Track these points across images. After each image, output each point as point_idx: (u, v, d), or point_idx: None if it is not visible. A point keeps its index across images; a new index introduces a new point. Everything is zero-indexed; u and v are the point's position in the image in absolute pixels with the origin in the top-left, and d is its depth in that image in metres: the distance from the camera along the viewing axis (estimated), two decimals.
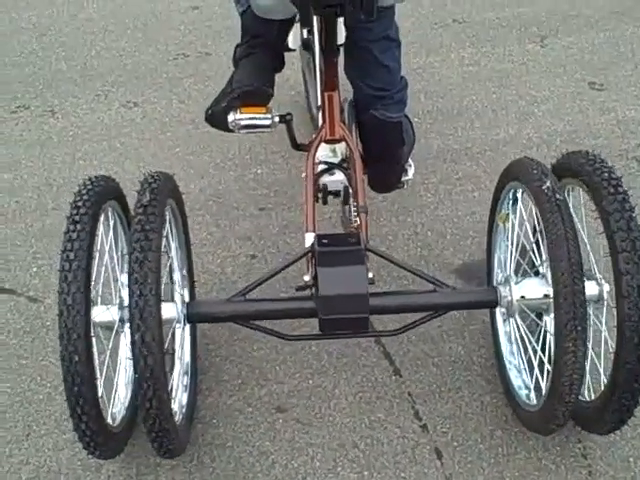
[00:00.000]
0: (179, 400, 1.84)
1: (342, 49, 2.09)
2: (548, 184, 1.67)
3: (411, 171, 2.34)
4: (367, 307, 1.69)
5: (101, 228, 1.74)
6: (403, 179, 2.34)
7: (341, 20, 1.95)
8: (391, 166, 2.26)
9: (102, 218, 1.73)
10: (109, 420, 1.72)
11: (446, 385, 2.00)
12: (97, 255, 1.70)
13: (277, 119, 2.07)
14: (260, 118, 2.06)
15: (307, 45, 2.49)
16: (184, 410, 1.84)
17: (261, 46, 2.15)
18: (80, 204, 1.65)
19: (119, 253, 1.88)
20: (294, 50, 2.35)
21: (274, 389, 2.01)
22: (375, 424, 1.92)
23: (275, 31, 2.13)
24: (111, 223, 1.83)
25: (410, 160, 2.33)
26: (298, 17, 2.10)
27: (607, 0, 3.60)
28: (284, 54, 2.25)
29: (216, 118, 2.15)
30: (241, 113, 2.06)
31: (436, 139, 2.81)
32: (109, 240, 1.82)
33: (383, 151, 2.20)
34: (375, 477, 1.81)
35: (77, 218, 1.63)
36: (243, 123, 2.06)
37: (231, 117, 2.07)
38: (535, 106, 2.96)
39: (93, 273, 1.64)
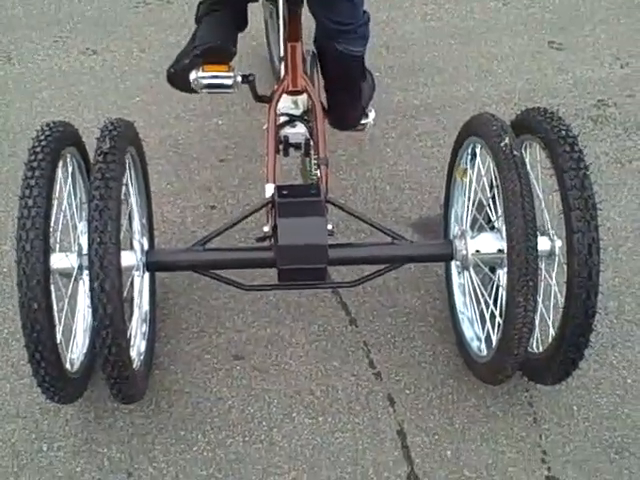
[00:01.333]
0: (137, 347, 1.86)
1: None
2: (506, 140, 1.70)
3: (371, 115, 2.38)
4: (326, 258, 1.72)
5: (60, 174, 1.73)
6: (363, 121, 2.37)
7: None
8: (352, 102, 2.28)
9: (61, 164, 1.71)
10: (68, 366, 1.73)
11: (400, 335, 2.05)
12: (56, 202, 1.69)
13: (239, 79, 2.04)
14: (223, 77, 2.02)
15: None
16: (142, 357, 1.86)
17: (224, 3, 2.12)
18: (38, 150, 1.63)
19: (78, 200, 1.87)
20: (257, 1, 2.34)
21: (232, 337, 2.04)
22: (330, 372, 1.96)
23: None
24: (70, 170, 1.81)
25: (370, 107, 2.37)
26: None
27: None
28: (247, 13, 2.22)
29: (178, 77, 2.12)
30: (203, 71, 2.02)
31: (397, 94, 2.82)
32: (68, 187, 1.81)
33: (345, 85, 2.22)
34: (329, 422, 1.86)
35: (35, 164, 1.61)
36: (205, 82, 2.02)
37: (193, 75, 2.03)
38: (495, 64, 2.99)
39: (52, 220, 1.63)
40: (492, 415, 1.87)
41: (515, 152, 1.69)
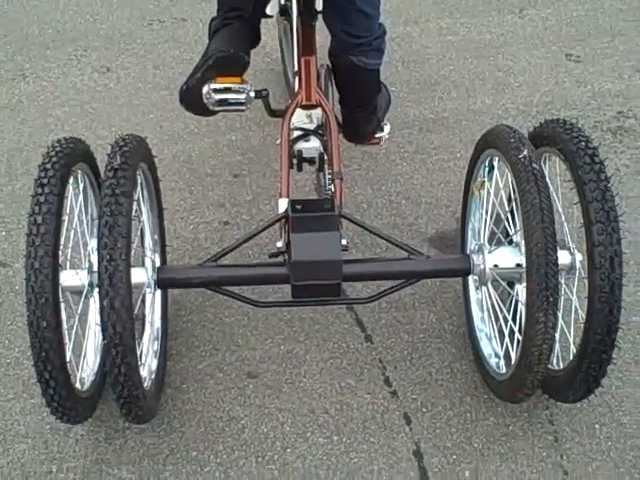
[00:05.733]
0: (149, 365, 1.83)
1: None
2: (525, 153, 1.66)
3: (387, 129, 2.35)
4: (340, 273, 1.69)
5: (70, 191, 1.71)
6: (378, 135, 2.34)
7: None
8: (367, 116, 2.26)
9: (71, 181, 1.70)
10: (77, 385, 1.71)
11: (417, 352, 2.01)
12: (66, 219, 1.67)
13: (253, 94, 1.97)
14: (235, 90, 1.96)
15: (284, 11, 2.45)
16: (153, 376, 1.83)
17: (237, 18, 2.11)
18: (49, 166, 1.62)
19: (89, 217, 1.85)
20: (272, 17, 2.31)
21: (245, 355, 2.00)
22: (345, 390, 1.92)
23: (252, 3, 2.09)
24: (81, 186, 1.79)
25: (386, 120, 2.34)
26: None
27: None
28: (260, 30, 2.20)
29: (190, 94, 2.04)
30: (216, 82, 1.96)
31: (412, 108, 2.79)
32: (79, 203, 1.79)
33: (360, 99, 2.19)
34: (344, 442, 1.81)
35: (45, 181, 1.59)
36: (218, 97, 1.95)
37: (205, 88, 1.96)
38: (512, 77, 2.95)
39: (62, 237, 1.61)
40: (512, 434, 1.83)
41: (534, 164, 1.65)
